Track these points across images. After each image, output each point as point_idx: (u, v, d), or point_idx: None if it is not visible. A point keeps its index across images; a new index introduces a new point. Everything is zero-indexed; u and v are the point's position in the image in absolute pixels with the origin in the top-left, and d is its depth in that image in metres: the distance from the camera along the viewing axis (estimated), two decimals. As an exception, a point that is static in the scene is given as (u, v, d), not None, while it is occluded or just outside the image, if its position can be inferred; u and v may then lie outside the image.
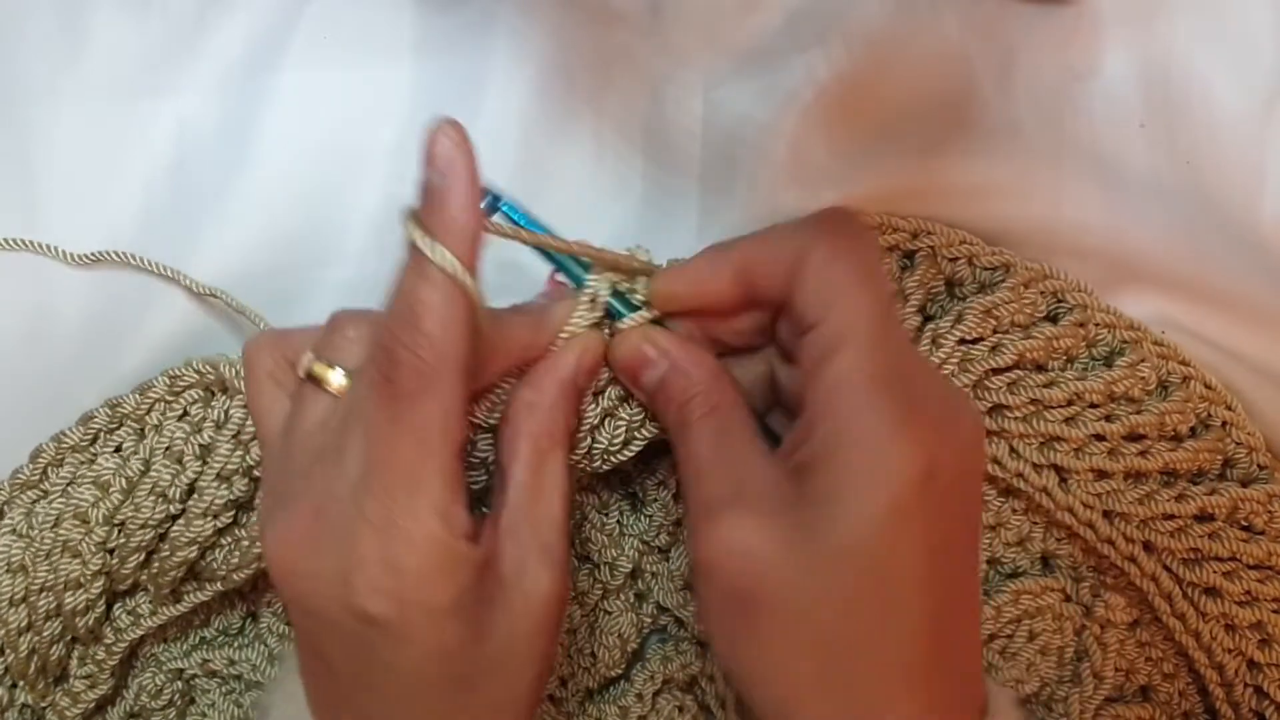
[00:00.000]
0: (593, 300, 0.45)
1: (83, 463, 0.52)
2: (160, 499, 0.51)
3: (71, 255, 0.54)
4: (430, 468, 0.38)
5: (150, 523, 0.51)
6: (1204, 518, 0.52)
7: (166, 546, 0.51)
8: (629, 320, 0.45)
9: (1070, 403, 0.51)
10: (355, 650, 0.40)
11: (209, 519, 0.51)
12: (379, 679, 0.40)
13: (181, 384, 0.53)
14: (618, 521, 0.53)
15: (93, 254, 0.54)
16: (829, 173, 0.53)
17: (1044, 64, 0.52)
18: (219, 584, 0.52)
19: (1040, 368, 0.52)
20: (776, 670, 0.39)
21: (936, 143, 0.53)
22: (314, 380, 0.41)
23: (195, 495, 0.51)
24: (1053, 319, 0.52)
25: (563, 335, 0.44)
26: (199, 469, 0.51)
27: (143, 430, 0.52)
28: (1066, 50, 0.52)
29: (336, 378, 0.41)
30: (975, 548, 0.43)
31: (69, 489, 0.52)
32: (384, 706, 0.41)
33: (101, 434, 0.53)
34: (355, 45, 0.56)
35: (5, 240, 0.54)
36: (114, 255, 0.54)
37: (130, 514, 0.51)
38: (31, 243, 0.54)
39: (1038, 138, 0.53)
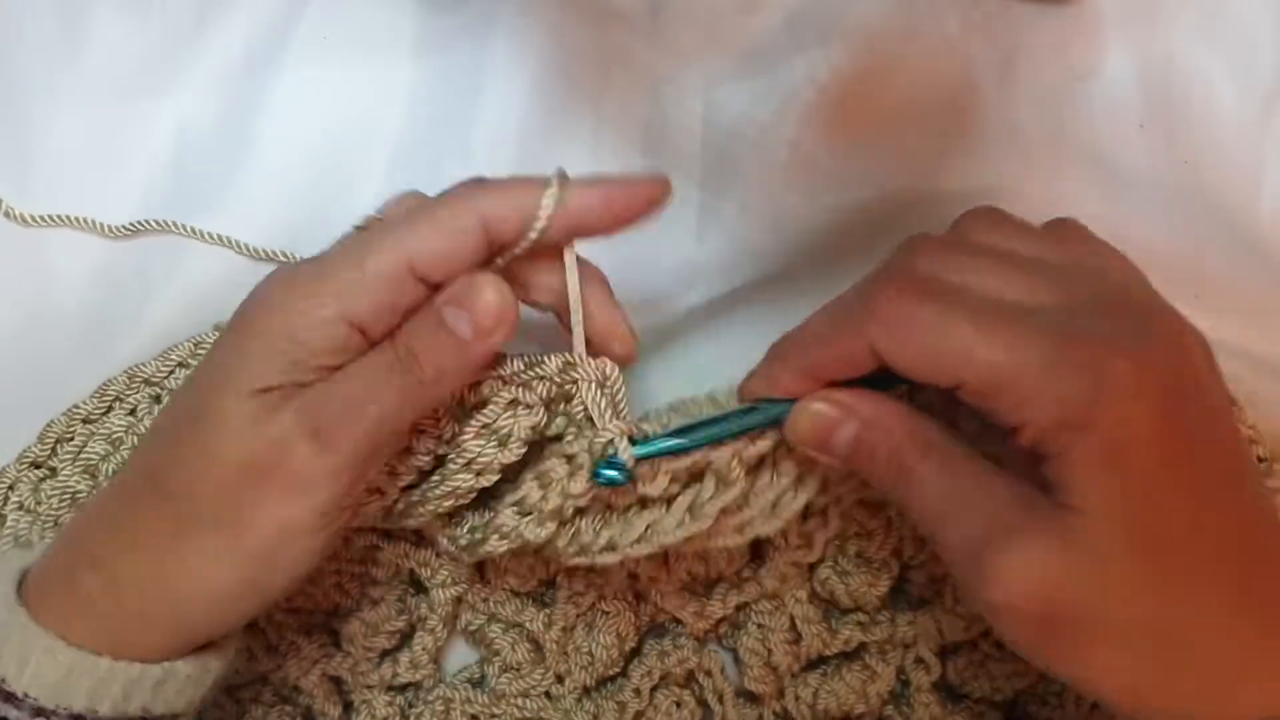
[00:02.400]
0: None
1: (94, 432, 0.52)
2: None
3: (109, 227, 0.55)
4: None
5: None
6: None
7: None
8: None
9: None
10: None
11: None
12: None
13: (205, 348, 0.52)
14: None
15: (130, 225, 0.55)
16: (829, 173, 0.54)
17: (1044, 64, 0.52)
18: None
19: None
20: (1117, 677, 0.38)
21: (936, 143, 0.53)
22: None
23: None
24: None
25: None
26: None
27: (159, 395, 0.52)
28: (1066, 50, 0.52)
29: None
30: (1233, 438, 0.41)
31: (80, 453, 0.52)
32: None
33: (117, 401, 0.53)
34: (355, 45, 0.56)
35: (44, 217, 0.55)
36: (153, 224, 0.55)
37: None
38: (69, 217, 0.55)
39: (1038, 138, 0.53)
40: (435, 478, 0.45)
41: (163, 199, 0.55)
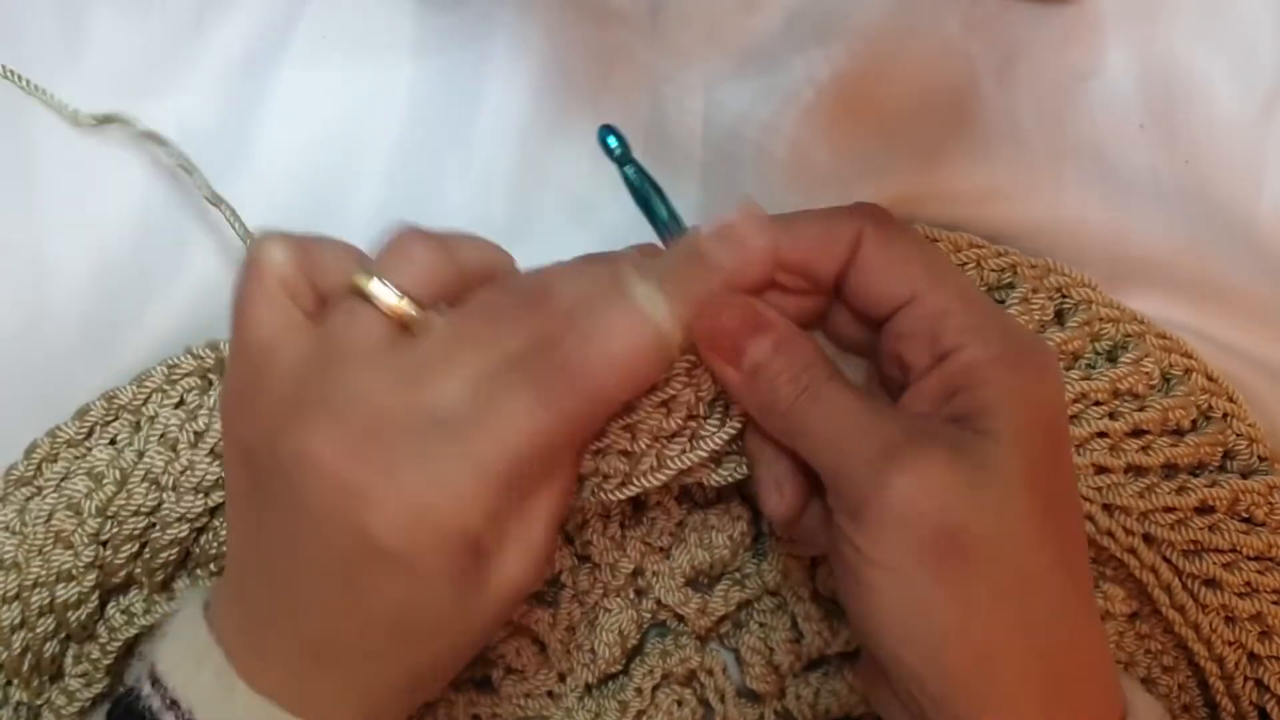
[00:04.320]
0: None
1: (77, 457, 0.52)
2: (153, 486, 0.51)
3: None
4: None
5: (143, 509, 0.51)
6: (1204, 510, 0.52)
7: (158, 528, 0.51)
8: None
9: (1075, 401, 0.51)
10: (332, 569, 0.39)
11: (200, 495, 0.51)
12: (345, 604, 0.39)
13: (179, 372, 0.52)
14: (620, 524, 0.53)
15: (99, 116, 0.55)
16: (829, 173, 0.54)
17: (1044, 64, 0.52)
18: (211, 566, 0.52)
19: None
20: (976, 620, 0.37)
21: (937, 143, 0.53)
22: (361, 295, 0.40)
23: (187, 471, 0.51)
24: (1058, 315, 0.52)
25: None
26: (192, 454, 0.51)
27: (138, 423, 0.52)
28: (1066, 50, 0.52)
29: (388, 296, 0.40)
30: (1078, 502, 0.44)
31: (63, 483, 0.52)
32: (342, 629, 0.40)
33: (97, 427, 0.52)
34: (355, 45, 0.56)
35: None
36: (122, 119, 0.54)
37: (123, 503, 0.50)
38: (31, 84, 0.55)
39: (1038, 138, 0.53)
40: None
41: (161, 199, 0.55)
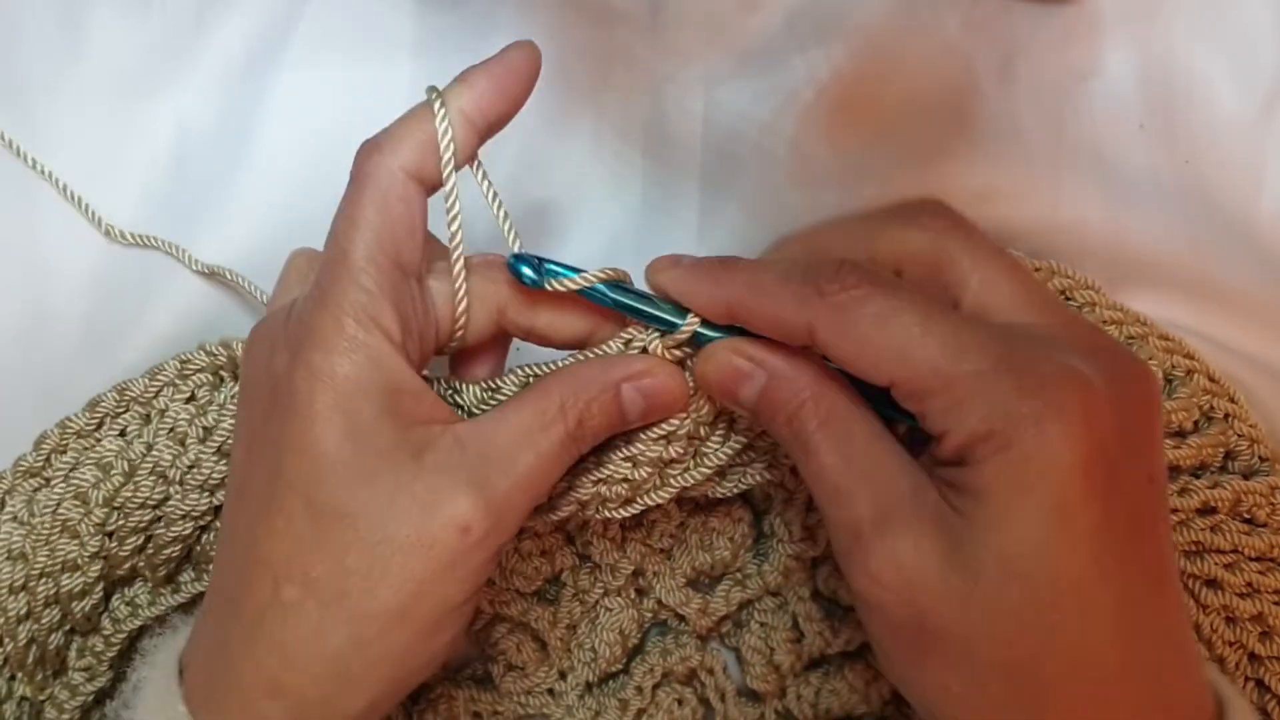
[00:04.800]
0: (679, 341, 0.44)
1: (86, 448, 0.52)
2: (160, 479, 0.51)
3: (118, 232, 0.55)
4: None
5: (149, 503, 0.51)
6: (1206, 511, 0.52)
7: (163, 523, 0.51)
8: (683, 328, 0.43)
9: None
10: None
11: (204, 493, 0.51)
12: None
13: (191, 368, 0.52)
14: (620, 526, 0.53)
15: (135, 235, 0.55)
16: (829, 173, 0.54)
17: (1044, 64, 0.52)
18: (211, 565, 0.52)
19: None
20: (957, 702, 0.37)
21: (937, 142, 0.53)
22: None
23: (193, 469, 0.51)
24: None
25: None
26: (200, 450, 0.51)
27: (148, 415, 0.52)
28: (1066, 50, 0.52)
29: None
30: (1161, 518, 0.39)
31: (71, 473, 0.52)
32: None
33: (107, 418, 0.53)
34: (355, 45, 0.56)
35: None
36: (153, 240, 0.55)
37: (129, 495, 0.51)
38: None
39: (1038, 138, 0.53)
40: None
41: (161, 199, 0.55)
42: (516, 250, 0.43)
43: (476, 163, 0.44)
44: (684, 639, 0.54)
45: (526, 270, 0.43)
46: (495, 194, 0.44)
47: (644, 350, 0.44)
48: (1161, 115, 0.52)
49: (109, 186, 0.55)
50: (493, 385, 0.44)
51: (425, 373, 0.44)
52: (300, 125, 0.56)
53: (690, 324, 0.42)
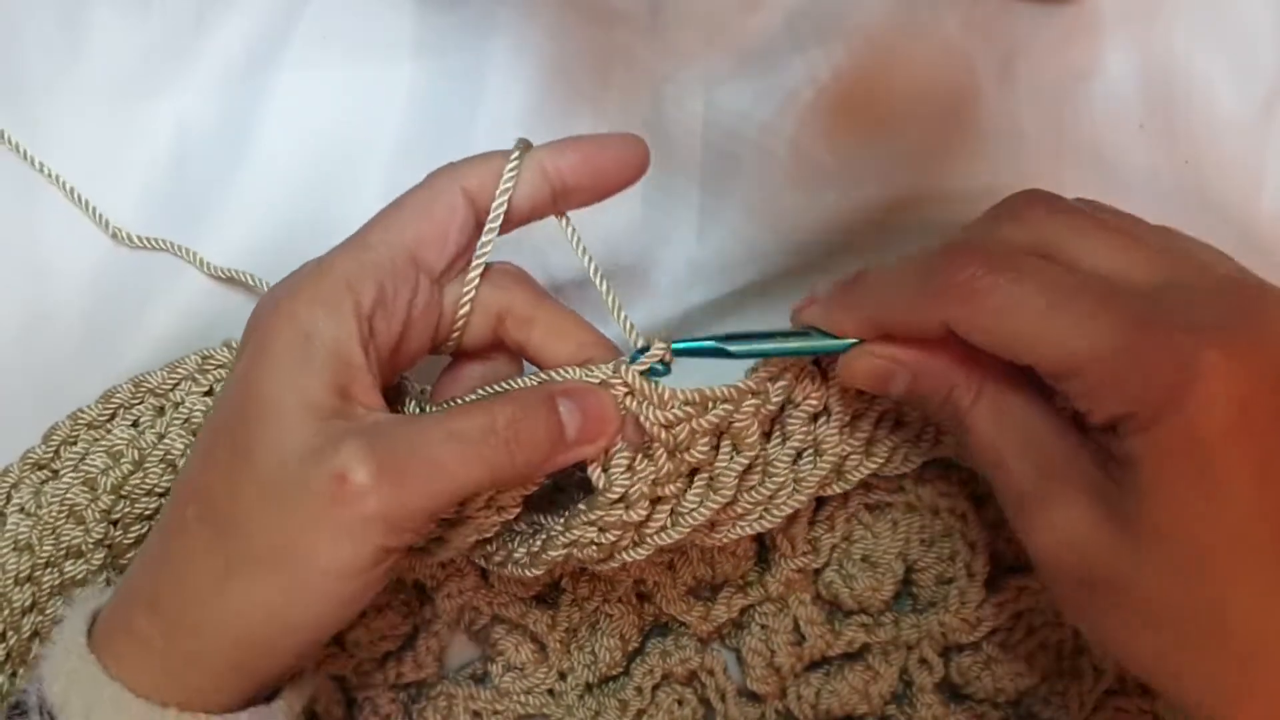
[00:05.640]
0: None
1: (97, 438, 0.52)
2: (169, 468, 0.51)
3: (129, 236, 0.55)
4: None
5: (156, 490, 0.51)
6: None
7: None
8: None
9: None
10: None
11: None
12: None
13: (212, 363, 0.52)
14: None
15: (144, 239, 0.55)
16: (829, 173, 0.54)
17: (1044, 64, 0.52)
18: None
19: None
20: (1140, 642, 0.38)
21: (937, 142, 0.53)
22: None
23: None
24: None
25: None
26: None
27: (163, 408, 0.52)
28: (1066, 50, 0.52)
29: None
30: None
31: (80, 461, 0.52)
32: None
33: (121, 409, 0.53)
34: (355, 45, 0.56)
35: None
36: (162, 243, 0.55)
37: (138, 482, 0.51)
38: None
39: (1038, 138, 0.53)
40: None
41: (162, 199, 0.55)
42: (619, 315, 0.44)
43: (576, 238, 0.45)
44: (684, 640, 0.54)
45: (658, 367, 0.43)
46: (597, 267, 0.44)
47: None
48: (1161, 115, 0.52)
49: (109, 187, 0.55)
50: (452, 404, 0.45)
51: (414, 383, 0.45)
52: (300, 125, 0.56)
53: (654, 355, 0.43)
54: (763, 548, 0.54)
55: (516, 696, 0.54)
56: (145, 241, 0.55)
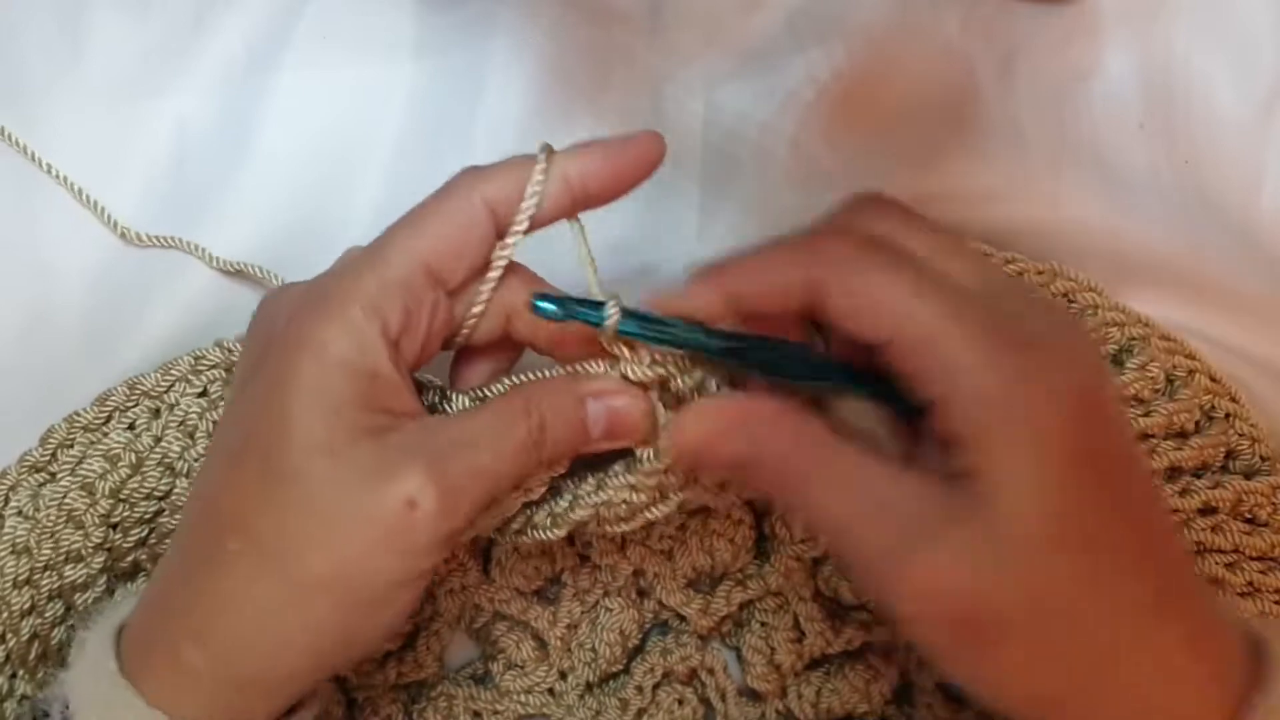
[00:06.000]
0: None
1: (93, 442, 0.52)
2: (167, 471, 0.51)
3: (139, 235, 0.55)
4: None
5: (155, 493, 0.51)
6: (1207, 511, 0.52)
7: (167, 514, 0.51)
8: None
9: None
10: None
11: None
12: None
13: (205, 364, 0.52)
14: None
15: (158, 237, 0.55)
16: (829, 173, 0.54)
17: (1044, 64, 0.52)
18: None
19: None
20: (1026, 671, 0.37)
21: (937, 143, 0.53)
22: None
23: (201, 460, 0.51)
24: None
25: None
26: (209, 443, 0.51)
27: (158, 409, 0.52)
28: (1066, 50, 0.52)
29: None
30: (1137, 448, 0.42)
31: (78, 465, 0.52)
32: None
33: (117, 412, 0.53)
34: (355, 45, 0.56)
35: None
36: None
37: (136, 486, 0.51)
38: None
39: (1038, 138, 0.53)
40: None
41: (162, 199, 0.55)
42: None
43: (579, 226, 0.44)
44: (684, 639, 0.54)
45: (546, 305, 0.42)
46: (593, 260, 0.44)
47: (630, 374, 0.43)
48: (1161, 115, 0.52)
49: (109, 187, 0.55)
50: (479, 394, 0.44)
51: (430, 379, 0.45)
52: (300, 125, 0.56)
53: (610, 320, 0.41)
54: (761, 538, 0.54)
55: (517, 696, 0.54)
56: (153, 239, 0.55)
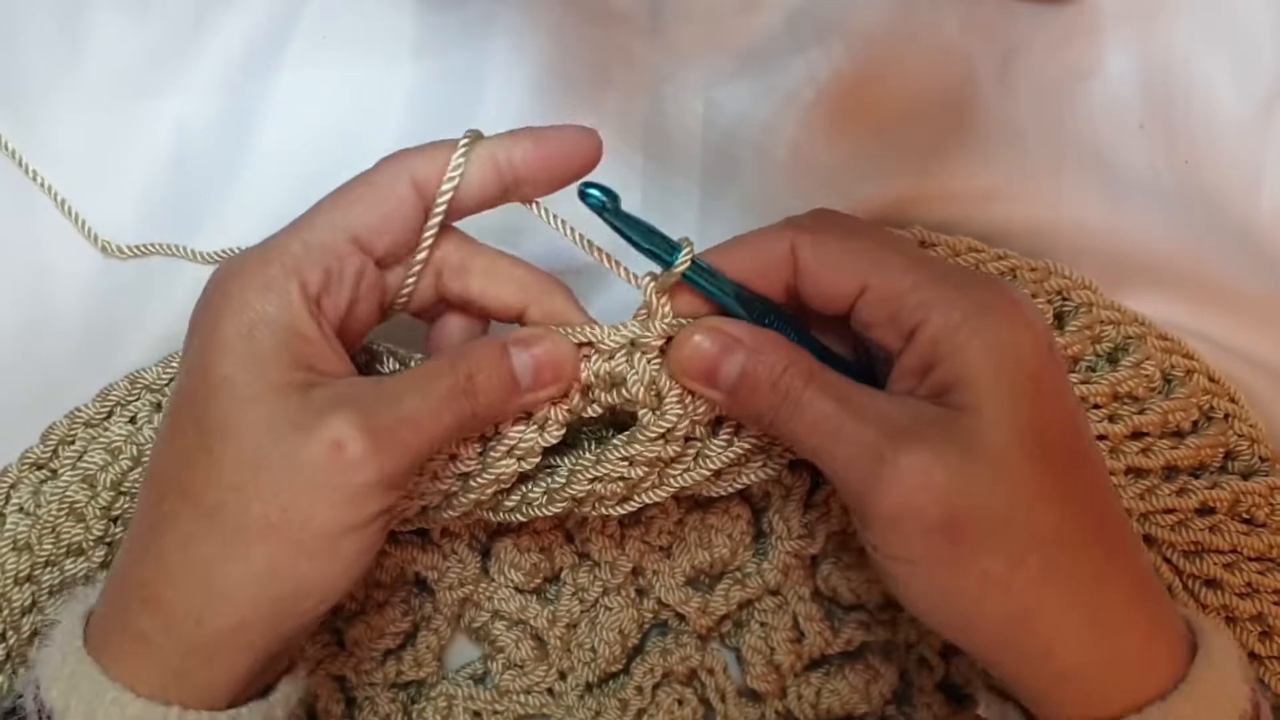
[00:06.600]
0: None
1: (95, 436, 0.52)
2: None
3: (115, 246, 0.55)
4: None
5: None
6: (1205, 511, 0.52)
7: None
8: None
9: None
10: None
11: None
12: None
13: None
14: (619, 523, 0.53)
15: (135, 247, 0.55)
16: (829, 173, 0.54)
17: (1044, 64, 0.52)
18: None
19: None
20: (996, 589, 0.38)
21: (936, 143, 0.53)
22: None
23: None
24: (1059, 318, 0.52)
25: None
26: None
27: (159, 403, 0.53)
28: (1066, 50, 0.52)
29: None
30: (1082, 412, 0.44)
31: (79, 459, 0.52)
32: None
33: (118, 406, 0.53)
34: (355, 45, 0.56)
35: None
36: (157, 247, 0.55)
37: (137, 478, 0.51)
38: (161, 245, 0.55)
39: (1038, 138, 0.53)
40: (476, 467, 0.45)
41: (161, 199, 0.55)
42: (614, 265, 0.46)
43: (548, 213, 0.46)
44: (684, 639, 0.54)
45: (595, 193, 0.44)
46: (577, 233, 0.46)
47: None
48: (1161, 115, 0.52)
49: (109, 187, 0.55)
50: (412, 359, 0.46)
51: (377, 344, 0.46)
52: (300, 125, 0.56)
53: (682, 263, 0.43)
54: (759, 535, 0.54)
55: (516, 696, 0.54)
56: (136, 249, 0.55)
